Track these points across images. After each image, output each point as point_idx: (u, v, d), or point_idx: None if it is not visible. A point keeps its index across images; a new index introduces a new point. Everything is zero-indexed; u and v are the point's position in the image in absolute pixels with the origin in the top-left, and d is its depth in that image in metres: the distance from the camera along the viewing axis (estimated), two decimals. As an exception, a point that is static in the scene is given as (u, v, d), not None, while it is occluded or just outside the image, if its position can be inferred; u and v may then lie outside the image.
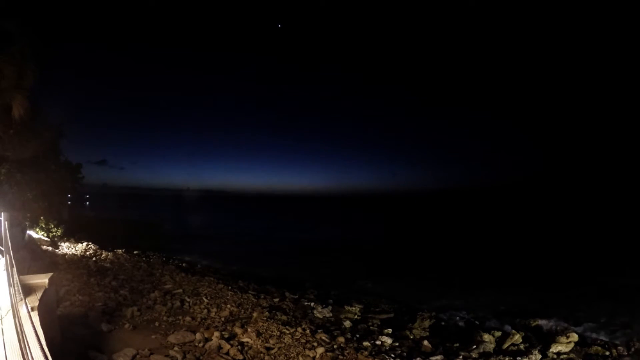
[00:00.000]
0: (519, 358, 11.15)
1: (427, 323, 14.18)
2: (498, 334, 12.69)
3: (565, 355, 11.62)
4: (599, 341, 12.69)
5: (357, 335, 12.40)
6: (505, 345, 12.03)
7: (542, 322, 14.57)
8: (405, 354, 11.25)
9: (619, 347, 12.17)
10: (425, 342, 12.27)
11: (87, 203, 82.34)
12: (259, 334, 9.79)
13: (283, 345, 9.48)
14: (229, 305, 12.49)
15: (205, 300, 12.71)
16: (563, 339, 12.08)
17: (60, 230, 21.63)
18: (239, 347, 8.75)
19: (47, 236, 20.76)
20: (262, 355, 8.72)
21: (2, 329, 4.44)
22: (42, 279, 6.28)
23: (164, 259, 23.96)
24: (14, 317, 3.96)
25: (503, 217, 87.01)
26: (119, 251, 22.28)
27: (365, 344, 11.49)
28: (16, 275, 5.21)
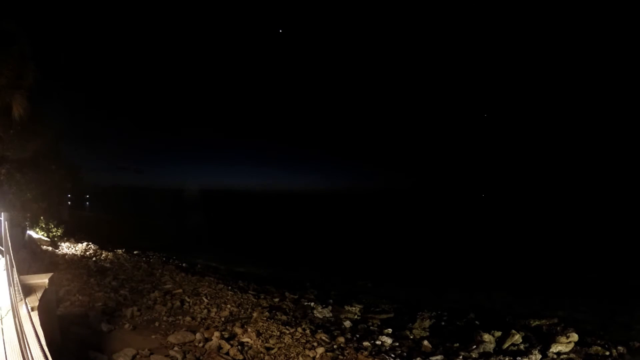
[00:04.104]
0: (519, 358, 11.14)
1: (427, 323, 14.18)
2: (498, 334, 12.68)
3: (565, 355, 11.61)
4: (599, 341, 12.66)
5: (357, 335, 12.39)
6: (505, 345, 12.02)
7: (542, 322, 14.56)
8: (405, 354, 11.25)
9: (619, 347, 12.15)
10: (425, 342, 12.26)
11: (87, 203, 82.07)
12: (259, 334, 9.79)
13: (283, 345, 9.48)
14: (229, 305, 12.48)
15: (205, 300, 12.70)
16: (563, 339, 12.07)
17: (60, 230, 21.61)
18: (239, 347, 8.75)
19: (47, 236, 20.75)
20: (262, 355, 8.72)
21: (2, 329, 4.44)
22: (42, 279, 6.28)
23: (164, 259, 23.94)
24: (14, 317, 3.96)
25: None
26: (119, 251, 22.27)
27: (365, 344, 11.48)
28: (16, 275, 5.21)
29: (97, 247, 22.22)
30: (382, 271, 26.91)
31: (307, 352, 9.32)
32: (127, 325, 8.98)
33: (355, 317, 15.00)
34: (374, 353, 10.62)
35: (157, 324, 9.56)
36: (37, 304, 5.32)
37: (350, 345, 10.90)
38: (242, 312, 12.10)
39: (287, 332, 10.56)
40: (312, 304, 15.75)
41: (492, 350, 11.81)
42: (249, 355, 8.55)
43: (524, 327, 13.93)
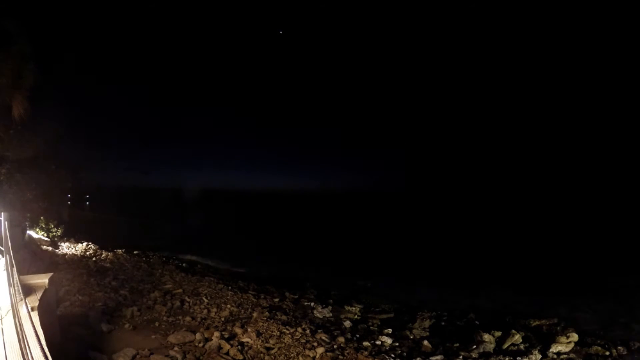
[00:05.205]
0: (519, 358, 11.15)
1: (427, 323, 14.18)
2: (498, 334, 12.68)
3: (565, 355, 11.61)
4: (599, 341, 12.66)
5: (357, 335, 12.40)
6: (505, 345, 12.03)
7: (542, 322, 14.56)
8: (405, 354, 11.25)
9: (619, 347, 12.16)
10: (425, 342, 12.27)
11: (87, 203, 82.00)
12: (259, 334, 9.79)
13: (283, 345, 9.48)
14: (229, 305, 12.48)
15: (205, 300, 12.71)
16: (563, 339, 12.07)
17: (60, 230, 21.61)
18: (239, 347, 8.75)
19: (47, 236, 20.75)
20: (262, 355, 8.72)
21: (2, 329, 4.45)
22: (42, 279, 6.29)
23: (164, 259, 23.95)
24: (14, 317, 3.96)
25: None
26: (119, 251, 22.27)
27: (365, 344, 11.49)
28: (16, 275, 5.21)
29: (97, 247, 22.23)
30: (382, 271, 26.92)
31: (307, 352, 9.32)
32: (127, 325, 8.98)
33: (355, 317, 15.01)
34: (374, 353, 10.62)
35: (157, 324, 9.56)
36: (37, 304, 5.33)
37: (350, 345, 10.91)
38: (242, 312, 12.10)
39: (287, 332, 10.56)
40: (312, 304, 15.75)
41: (492, 350, 11.82)
42: (249, 355, 8.55)
43: (524, 327, 13.93)
